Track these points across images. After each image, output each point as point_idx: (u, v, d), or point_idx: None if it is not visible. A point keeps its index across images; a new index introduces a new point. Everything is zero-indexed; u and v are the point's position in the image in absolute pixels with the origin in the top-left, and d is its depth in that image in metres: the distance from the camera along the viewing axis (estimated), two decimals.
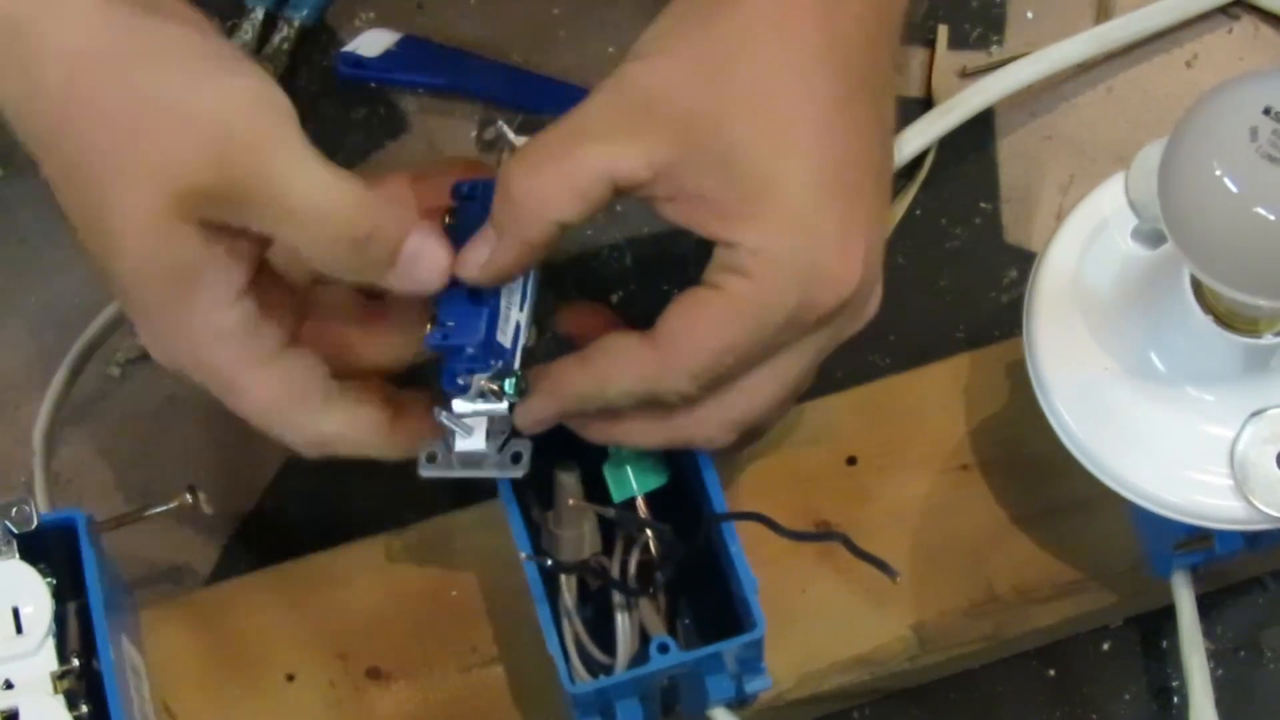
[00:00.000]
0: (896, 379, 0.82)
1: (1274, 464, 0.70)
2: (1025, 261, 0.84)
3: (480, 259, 0.68)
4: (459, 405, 0.70)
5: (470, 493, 0.80)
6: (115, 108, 0.65)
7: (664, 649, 0.71)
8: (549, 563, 0.72)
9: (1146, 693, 0.79)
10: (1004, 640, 0.78)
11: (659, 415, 0.70)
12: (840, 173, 0.67)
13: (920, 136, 0.88)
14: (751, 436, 0.73)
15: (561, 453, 0.73)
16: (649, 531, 0.72)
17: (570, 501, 0.73)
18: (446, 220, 0.70)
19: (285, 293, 0.70)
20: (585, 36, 0.92)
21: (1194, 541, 0.74)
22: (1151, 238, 0.72)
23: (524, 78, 0.91)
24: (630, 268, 0.87)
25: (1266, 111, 0.63)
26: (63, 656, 0.71)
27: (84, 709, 0.70)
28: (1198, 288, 0.69)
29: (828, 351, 0.71)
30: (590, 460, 0.73)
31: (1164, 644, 0.80)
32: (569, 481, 0.73)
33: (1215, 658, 0.79)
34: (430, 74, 0.91)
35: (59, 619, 0.71)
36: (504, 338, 0.69)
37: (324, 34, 0.93)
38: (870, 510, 0.79)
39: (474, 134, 0.90)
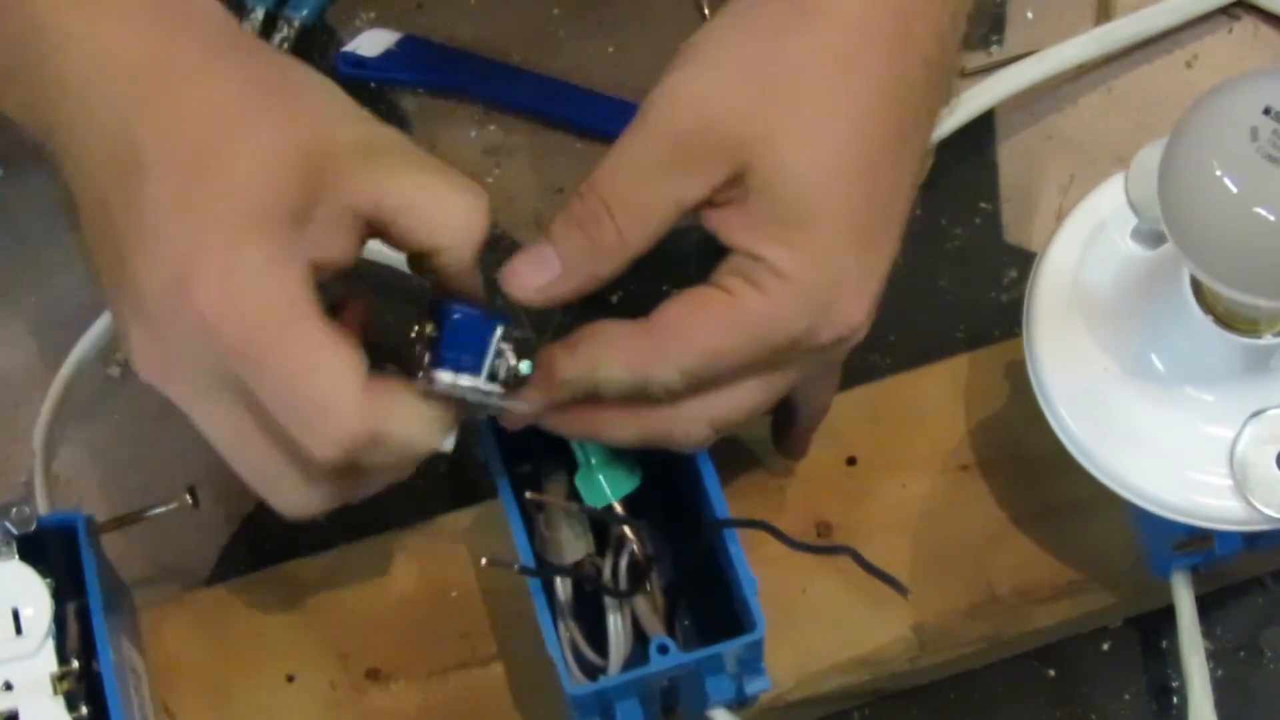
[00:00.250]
0: (896, 380, 0.82)
1: (1274, 464, 0.70)
2: (1025, 262, 0.84)
3: (538, 283, 0.68)
4: (443, 376, 0.67)
5: (470, 494, 0.80)
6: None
7: (663, 650, 0.70)
8: (538, 567, 0.71)
9: (1146, 693, 0.79)
10: (1004, 641, 0.78)
11: (640, 409, 0.69)
12: (875, 215, 0.68)
13: None
14: (726, 433, 0.72)
15: (551, 456, 0.73)
16: (627, 530, 0.72)
17: (557, 503, 0.73)
18: (428, 330, 0.68)
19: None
20: (585, 36, 0.92)
21: (1193, 542, 0.74)
22: (1151, 238, 0.72)
23: (524, 78, 0.91)
24: (629, 268, 0.87)
25: (1267, 111, 0.63)
26: (62, 658, 0.71)
27: (84, 710, 0.70)
28: (1197, 288, 0.69)
29: (812, 371, 0.71)
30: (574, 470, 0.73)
31: (1164, 644, 0.79)
32: (558, 484, 0.73)
33: (1215, 658, 0.79)
34: (430, 74, 0.91)
35: (58, 620, 0.71)
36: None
37: (324, 34, 0.93)
38: (870, 511, 0.79)
39: (473, 134, 0.90)
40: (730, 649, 0.71)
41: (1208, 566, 0.76)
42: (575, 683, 0.71)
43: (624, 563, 0.73)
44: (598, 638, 0.73)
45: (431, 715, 0.77)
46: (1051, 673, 0.80)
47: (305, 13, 0.92)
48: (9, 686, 0.70)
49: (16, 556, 0.71)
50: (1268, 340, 0.69)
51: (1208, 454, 0.70)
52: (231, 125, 0.65)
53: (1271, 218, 0.62)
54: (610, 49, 0.91)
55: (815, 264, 0.67)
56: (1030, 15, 0.92)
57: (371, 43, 0.92)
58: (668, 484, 0.74)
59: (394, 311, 0.75)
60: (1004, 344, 0.81)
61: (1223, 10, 0.91)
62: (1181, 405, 0.71)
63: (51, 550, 0.72)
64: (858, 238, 0.67)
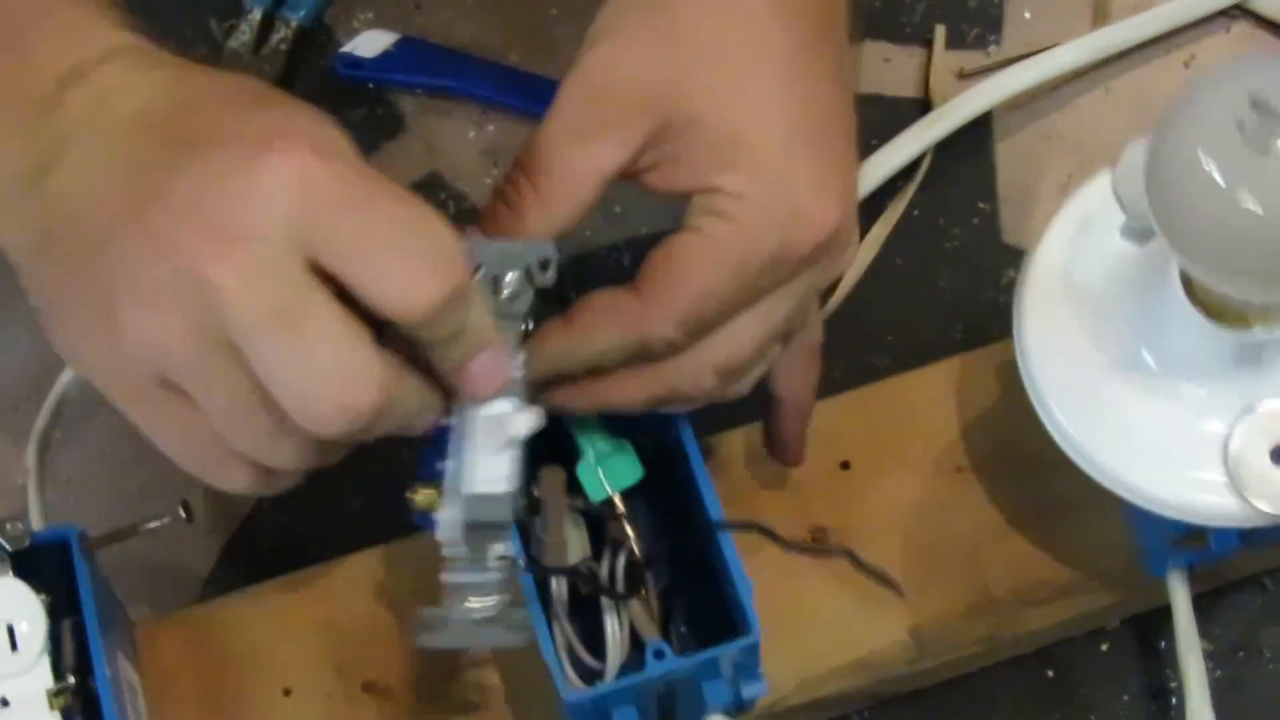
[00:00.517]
0: (889, 382, 0.82)
1: (1267, 459, 0.69)
2: None
3: (504, 379, 0.66)
4: (454, 576, 0.67)
5: None
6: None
7: (659, 655, 0.70)
8: (534, 567, 0.71)
9: (1145, 693, 0.79)
10: (1002, 642, 0.78)
11: (645, 369, 0.69)
12: (808, 120, 0.69)
13: (917, 141, 0.88)
14: (736, 382, 0.72)
15: (545, 458, 0.72)
16: (627, 528, 0.72)
17: (552, 502, 0.72)
18: None
19: None
20: (583, 36, 0.92)
21: (1189, 539, 0.74)
22: (1140, 234, 0.72)
23: (522, 78, 0.91)
24: (629, 268, 0.86)
25: (1254, 104, 0.63)
26: (58, 673, 0.71)
27: None
28: (1187, 282, 0.69)
29: (810, 296, 0.71)
30: (573, 465, 0.73)
31: (1162, 645, 0.79)
32: (553, 486, 0.73)
33: (1214, 658, 0.78)
34: (428, 75, 0.92)
35: (54, 636, 0.71)
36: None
37: (322, 35, 0.93)
38: (865, 514, 0.79)
39: (471, 135, 0.90)
40: (726, 653, 0.70)
41: (1204, 565, 0.76)
42: (571, 689, 0.71)
43: (621, 565, 0.72)
44: (592, 646, 0.72)
45: None
46: (1050, 674, 0.79)
47: (303, 13, 0.92)
48: (5, 703, 0.70)
49: (11, 572, 0.71)
50: (1258, 334, 0.69)
51: (1201, 449, 0.70)
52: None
53: (1259, 210, 0.62)
54: None
55: (763, 177, 0.68)
56: (1028, 15, 0.92)
57: (369, 43, 0.92)
58: (662, 488, 0.74)
59: None
60: (996, 345, 0.81)
61: (1220, 12, 0.91)
62: (1174, 401, 0.70)
63: (46, 566, 0.72)
64: (801, 139, 0.68)
